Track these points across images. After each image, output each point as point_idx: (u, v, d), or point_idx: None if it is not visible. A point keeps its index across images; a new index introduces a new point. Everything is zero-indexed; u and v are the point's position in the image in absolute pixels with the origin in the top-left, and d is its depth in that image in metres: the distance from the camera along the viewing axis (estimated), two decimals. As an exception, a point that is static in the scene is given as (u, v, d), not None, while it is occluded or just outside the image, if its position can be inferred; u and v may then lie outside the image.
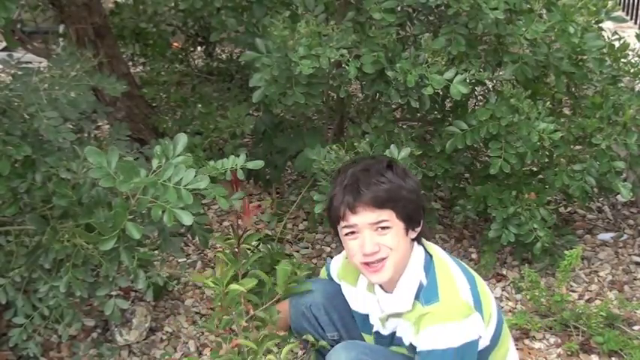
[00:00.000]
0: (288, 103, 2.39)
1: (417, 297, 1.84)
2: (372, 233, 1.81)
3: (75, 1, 3.15)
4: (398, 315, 1.89)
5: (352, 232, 1.83)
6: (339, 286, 2.10)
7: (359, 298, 2.02)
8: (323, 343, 2.08)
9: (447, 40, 2.48)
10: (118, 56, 3.41)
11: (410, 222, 1.84)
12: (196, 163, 2.12)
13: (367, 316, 2.00)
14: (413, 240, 1.88)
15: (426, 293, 1.82)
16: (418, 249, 1.90)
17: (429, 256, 1.90)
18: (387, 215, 1.81)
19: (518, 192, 2.77)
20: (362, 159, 2.05)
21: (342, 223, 1.84)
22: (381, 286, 1.92)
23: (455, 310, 1.79)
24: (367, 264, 1.82)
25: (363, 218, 1.80)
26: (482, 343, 1.85)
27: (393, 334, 1.94)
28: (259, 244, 2.70)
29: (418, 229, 1.88)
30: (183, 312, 2.72)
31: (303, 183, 3.08)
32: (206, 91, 3.40)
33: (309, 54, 2.25)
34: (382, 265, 1.82)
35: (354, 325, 2.07)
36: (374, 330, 1.98)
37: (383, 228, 1.80)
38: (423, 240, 1.93)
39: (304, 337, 2.08)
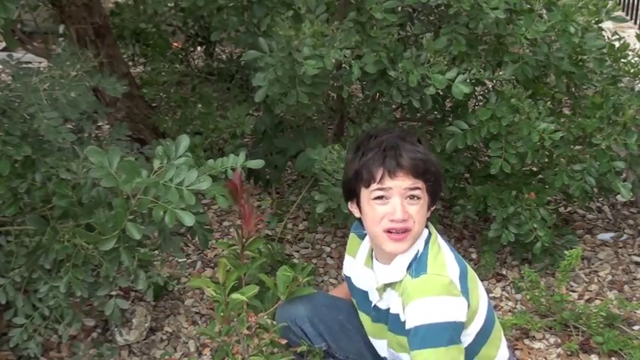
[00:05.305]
0: (290, 103, 2.38)
1: (409, 266, 1.84)
2: (403, 200, 1.81)
3: (75, 1, 3.14)
4: (391, 285, 1.89)
5: (381, 197, 1.82)
6: (324, 296, 2.10)
7: (359, 274, 2.01)
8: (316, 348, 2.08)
9: (448, 40, 2.48)
10: (118, 56, 3.41)
11: (434, 198, 1.87)
12: (196, 163, 2.12)
13: (367, 293, 1.99)
14: None
15: (417, 265, 1.83)
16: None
17: (429, 233, 1.91)
18: (421, 185, 1.82)
19: (518, 192, 2.77)
20: (383, 130, 2.00)
21: (375, 186, 1.81)
22: (377, 258, 1.92)
23: (440, 285, 1.78)
24: (390, 232, 1.81)
25: (401, 183, 1.80)
26: (464, 340, 1.84)
27: (389, 310, 1.92)
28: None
29: (433, 209, 1.90)
30: (183, 312, 2.72)
31: (303, 183, 3.08)
32: (206, 91, 3.40)
33: (314, 54, 2.25)
34: (404, 236, 1.82)
35: (342, 334, 2.07)
36: (373, 305, 1.97)
37: (413, 197, 1.81)
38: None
39: (299, 350, 2.06)
